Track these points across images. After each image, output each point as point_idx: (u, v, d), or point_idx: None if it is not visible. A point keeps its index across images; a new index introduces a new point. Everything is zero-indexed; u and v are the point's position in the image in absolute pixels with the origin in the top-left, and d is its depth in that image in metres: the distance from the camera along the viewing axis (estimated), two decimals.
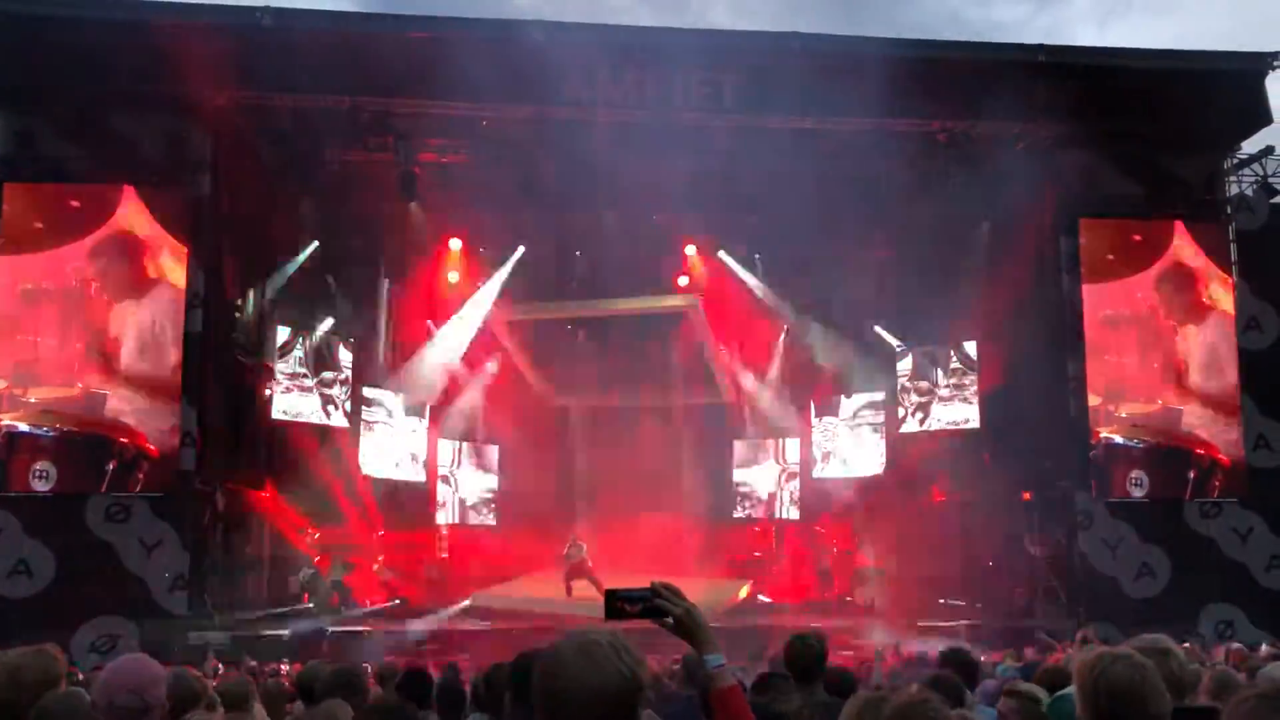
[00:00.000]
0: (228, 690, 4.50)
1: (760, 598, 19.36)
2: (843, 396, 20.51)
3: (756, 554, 20.88)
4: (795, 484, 20.70)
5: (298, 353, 17.93)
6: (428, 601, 18.74)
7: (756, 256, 20.38)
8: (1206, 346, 17.27)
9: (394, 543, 19.67)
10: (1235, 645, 9.20)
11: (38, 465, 14.79)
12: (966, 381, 18.85)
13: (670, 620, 2.41)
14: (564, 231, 19.71)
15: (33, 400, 15.00)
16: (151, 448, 15.03)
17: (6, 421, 14.86)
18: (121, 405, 15.12)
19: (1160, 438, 17.07)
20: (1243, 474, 16.98)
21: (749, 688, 5.07)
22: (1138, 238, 17.53)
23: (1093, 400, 16.96)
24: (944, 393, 19.13)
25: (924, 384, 19.41)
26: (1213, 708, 2.21)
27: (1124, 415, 17.06)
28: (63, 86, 13.53)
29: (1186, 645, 8.63)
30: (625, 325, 20.82)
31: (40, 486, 14.74)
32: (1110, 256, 17.41)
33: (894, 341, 19.97)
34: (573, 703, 2.01)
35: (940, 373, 19.20)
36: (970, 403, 18.74)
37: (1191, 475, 16.94)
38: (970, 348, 18.81)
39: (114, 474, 14.90)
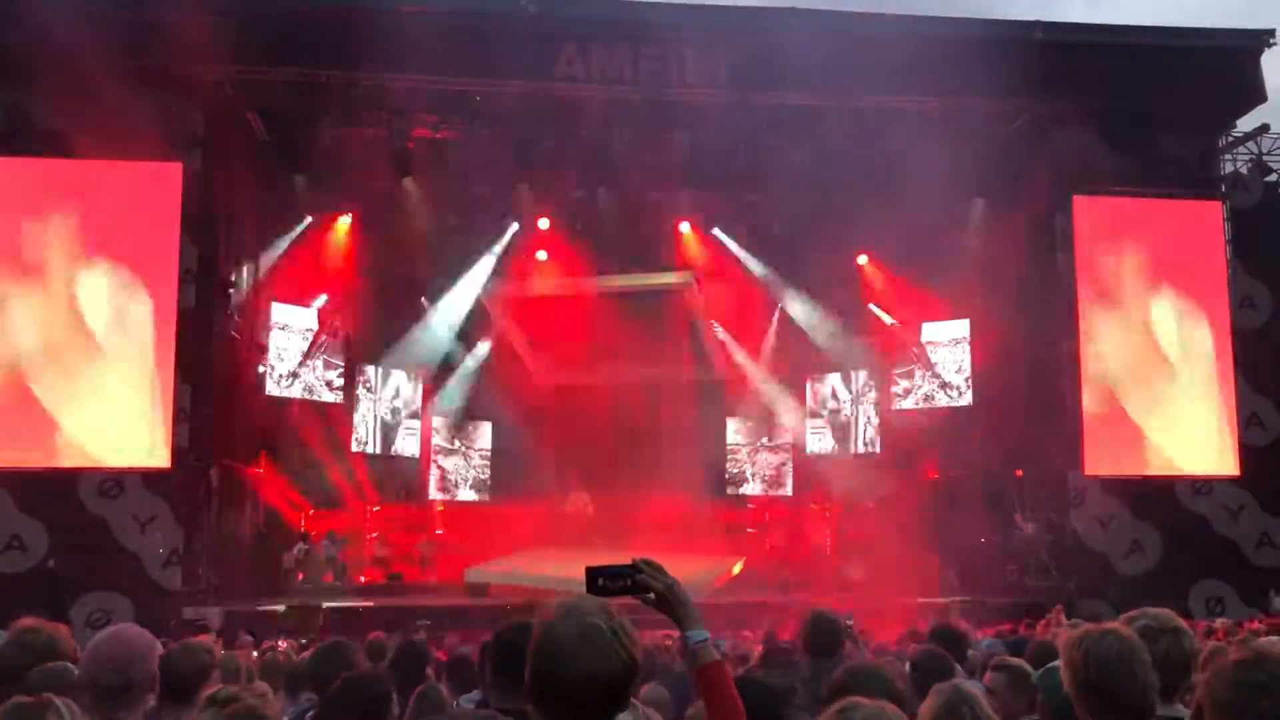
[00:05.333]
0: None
1: (753, 574, 19.37)
2: (836, 374, 20.50)
3: (749, 530, 20.90)
4: (788, 461, 20.71)
5: (291, 328, 17.90)
6: (422, 577, 18.78)
7: (750, 234, 20.34)
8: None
9: (388, 519, 19.70)
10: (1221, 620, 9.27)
11: None
12: (959, 359, 18.87)
13: (652, 596, 2.41)
14: (558, 208, 19.62)
15: None
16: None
17: None
18: None
19: None
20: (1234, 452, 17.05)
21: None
22: (1132, 215, 17.52)
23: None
24: (937, 370, 19.14)
25: (917, 361, 19.42)
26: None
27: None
28: (54, 60, 13.41)
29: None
30: (619, 302, 20.73)
31: None
32: (1104, 233, 17.42)
33: (887, 319, 19.96)
34: (572, 688, 1.98)
35: (933, 350, 19.20)
36: (963, 380, 18.76)
37: None
38: (964, 325, 18.81)
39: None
